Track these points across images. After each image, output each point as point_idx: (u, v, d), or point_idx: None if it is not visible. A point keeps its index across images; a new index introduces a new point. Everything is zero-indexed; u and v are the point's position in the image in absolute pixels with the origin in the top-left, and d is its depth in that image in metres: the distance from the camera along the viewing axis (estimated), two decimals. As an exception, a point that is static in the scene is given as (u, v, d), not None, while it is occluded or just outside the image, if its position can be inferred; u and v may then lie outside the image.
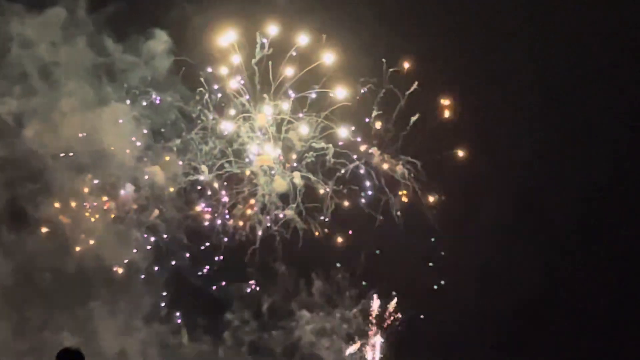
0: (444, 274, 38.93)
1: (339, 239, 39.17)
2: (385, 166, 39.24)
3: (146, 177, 38.38)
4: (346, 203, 39.29)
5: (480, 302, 38.08)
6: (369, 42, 38.52)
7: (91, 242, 37.76)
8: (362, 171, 39.19)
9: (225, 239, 38.86)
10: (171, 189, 38.69)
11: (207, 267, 39.10)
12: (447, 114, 39.25)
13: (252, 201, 38.94)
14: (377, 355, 38.74)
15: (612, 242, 38.88)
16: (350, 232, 39.29)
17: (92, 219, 37.93)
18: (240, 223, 38.84)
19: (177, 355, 38.37)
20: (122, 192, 38.15)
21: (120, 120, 38.02)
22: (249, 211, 38.80)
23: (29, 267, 36.72)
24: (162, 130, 39.03)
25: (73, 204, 37.75)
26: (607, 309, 38.46)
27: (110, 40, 37.92)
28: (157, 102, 38.64)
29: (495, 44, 38.59)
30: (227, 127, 39.10)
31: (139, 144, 38.33)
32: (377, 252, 38.87)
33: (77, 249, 37.60)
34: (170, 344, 38.23)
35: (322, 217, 39.11)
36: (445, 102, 39.31)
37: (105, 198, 38.13)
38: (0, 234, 36.67)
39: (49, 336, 36.79)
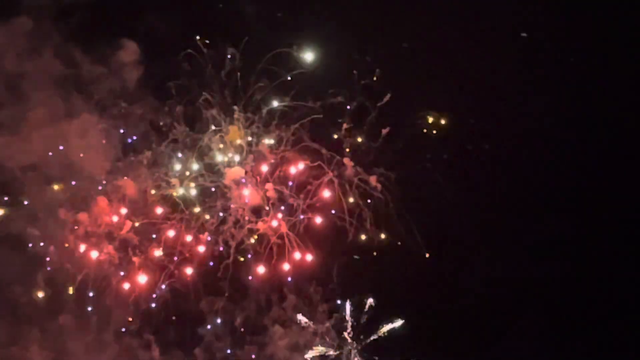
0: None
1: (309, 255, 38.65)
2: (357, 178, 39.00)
3: (117, 189, 37.69)
4: (318, 218, 38.91)
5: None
6: (340, 54, 38.54)
7: (61, 256, 36.93)
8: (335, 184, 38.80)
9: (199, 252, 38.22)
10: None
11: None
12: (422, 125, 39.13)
13: (225, 215, 38.41)
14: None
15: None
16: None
17: (63, 232, 37.10)
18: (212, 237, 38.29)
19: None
20: (92, 204, 37.40)
21: (90, 132, 37.36)
22: (221, 225, 38.30)
23: (-3, 281, 36.04)
24: (132, 142, 38.36)
25: (43, 217, 36.98)
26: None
27: (78, 51, 37.25)
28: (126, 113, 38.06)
29: (470, 53, 38.65)
30: (198, 140, 38.65)
31: (109, 156, 37.66)
32: (356, 257, 38.46)
33: (47, 263, 36.79)
34: (141, 359, 37.45)
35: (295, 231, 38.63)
36: (421, 114, 39.17)
37: (75, 211, 37.40)
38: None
39: (17, 352, 36.07)
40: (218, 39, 38.43)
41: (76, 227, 37.48)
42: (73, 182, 37.47)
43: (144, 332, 37.95)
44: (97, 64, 37.77)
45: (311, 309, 38.53)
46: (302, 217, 38.63)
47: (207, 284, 38.19)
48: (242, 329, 38.29)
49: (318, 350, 37.89)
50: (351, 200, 38.79)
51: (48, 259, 37.25)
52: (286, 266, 38.39)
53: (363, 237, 38.77)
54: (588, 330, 37.90)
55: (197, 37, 38.43)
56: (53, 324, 36.77)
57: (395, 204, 38.83)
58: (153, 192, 38.24)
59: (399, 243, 38.60)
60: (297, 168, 38.90)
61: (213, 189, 38.70)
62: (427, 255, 38.89)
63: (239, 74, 38.65)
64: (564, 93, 38.91)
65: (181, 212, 38.33)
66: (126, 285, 37.66)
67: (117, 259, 37.67)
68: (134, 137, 38.58)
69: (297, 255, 38.26)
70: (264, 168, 38.86)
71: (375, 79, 38.70)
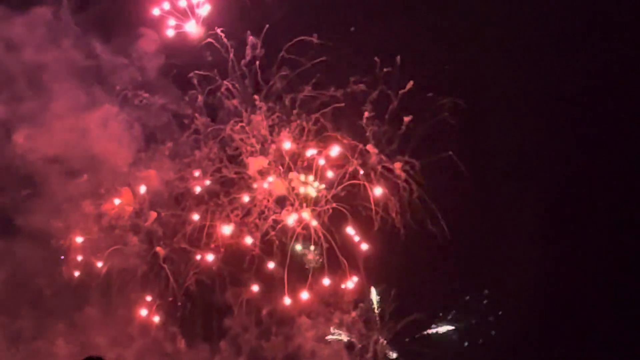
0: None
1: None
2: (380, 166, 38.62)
3: (141, 181, 37.32)
4: (344, 207, 38.53)
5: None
6: (361, 41, 38.13)
7: (86, 248, 36.57)
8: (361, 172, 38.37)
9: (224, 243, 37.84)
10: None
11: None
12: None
13: (250, 205, 38.03)
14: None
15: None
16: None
17: (87, 225, 36.76)
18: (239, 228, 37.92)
19: (174, 363, 37.39)
20: (116, 197, 37.04)
21: (111, 123, 37.02)
22: (247, 216, 37.91)
23: (21, 275, 35.62)
24: (154, 133, 38.04)
25: (66, 210, 36.63)
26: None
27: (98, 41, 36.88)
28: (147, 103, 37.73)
29: (493, 43, 38.19)
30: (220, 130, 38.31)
31: (131, 147, 37.33)
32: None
33: (72, 255, 36.42)
34: (168, 351, 37.10)
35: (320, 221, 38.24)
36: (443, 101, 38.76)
37: (99, 203, 37.05)
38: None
39: (43, 345, 35.78)
40: (238, 27, 37.91)
41: (100, 219, 37.05)
42: (96, 174, 36.95)
43: (169, 324, 37.59)
44: (117, 54, 37.42)
45: (336, 299, 38.13)
46: (327, 206, 38.21)
47: (233, 275, 37.76)
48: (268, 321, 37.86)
49: (337, 336, 37.53)
50: (376, 189, 38.30)
51: (72, 251, 36.72)
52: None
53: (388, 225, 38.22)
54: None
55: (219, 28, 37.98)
56: (78, 317, 36.41)
57: (420, 192, 38.45)
58: (176, 183, 37.72)
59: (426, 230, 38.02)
60: (320, 157, 38.34)
61: (236, 180, 38.22)
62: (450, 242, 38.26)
63: (257, 63, 38.22)
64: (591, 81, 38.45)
65: (205, 203, 37.86)
66: (151, 277, 37.21)
67: (142, 250, 37.20)
68: (156, 128, 38.11)
69: (322, 245, 37.69)
70: (287, 158, 38.38)
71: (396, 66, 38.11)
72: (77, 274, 36.65)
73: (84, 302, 36.64)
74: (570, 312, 37.76)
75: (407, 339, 38.49)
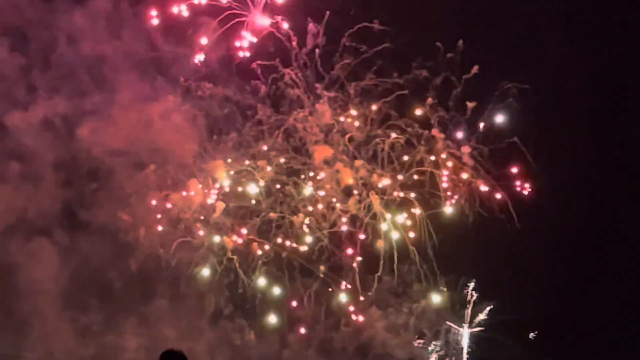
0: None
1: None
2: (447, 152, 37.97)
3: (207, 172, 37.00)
4: (412, 194, 37.93)
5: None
6: (423, 26, 37.44)
7: (153, 241, 36.35)
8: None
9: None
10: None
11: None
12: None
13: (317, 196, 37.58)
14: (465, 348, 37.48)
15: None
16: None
17: (154, 217, 36.51)
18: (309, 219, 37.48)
19: (244, 355, 36.91)
20: (183, 187, 36.79)
21: (175, 115, 36.73)
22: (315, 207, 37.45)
23: (89, 269, 35.42)
24: (217, 123, 37.72)
25: (133, 203, 36.44)
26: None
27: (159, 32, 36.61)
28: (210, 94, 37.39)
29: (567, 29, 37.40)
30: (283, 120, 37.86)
31: (195, 138, 37.01)
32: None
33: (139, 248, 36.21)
34: (237, 344, 36.76)
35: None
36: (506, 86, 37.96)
37: (166, 195, 36.79)
38: (62, 236, 35.31)
39: (111, 340, 35.58)
40: (300, 15, 37.46)
41: (168, 211, 36.78)
42: (161, 166, 36.64)
43: (237, 316, 37.28)
44: (178, 45, 37.12)
45: (406, 289, 37.60)
46: (394, 194, 37.64)
47: (302, 267, 37.43)
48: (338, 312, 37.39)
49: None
50: (443, 176, 37.69)
51: (139, 244, 36.52)
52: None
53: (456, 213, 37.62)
54: None
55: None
56: (146, 310, 36.13)
57: (488, 180, 37.78)
58: (243, 174, 37.34)
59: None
60: (386, 145, 37.78)
61: (302, 170, 37.80)
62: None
63: (317, 51, 37.73)
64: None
65: (274, 194, 37.48)
66: (219, 269, 36.88)
67: (210, 242, 36.87)
68: (219, 119, 37.76)
69: (394, 236, 37.06)
70: (352, 147, 37.87)
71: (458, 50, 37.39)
72: (145, 266, 36.16)
73: (152, 296, 36.22)
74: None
75: (480, 327, 37.85)
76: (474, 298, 37.65)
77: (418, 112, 37.99)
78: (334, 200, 37.59)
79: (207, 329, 36.53)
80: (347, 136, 37.97)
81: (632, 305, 37.09)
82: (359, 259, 37.49)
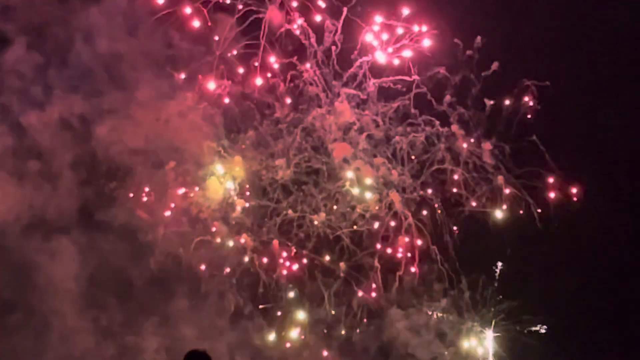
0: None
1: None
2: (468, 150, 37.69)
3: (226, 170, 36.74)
4: (429, 190, 37.67)
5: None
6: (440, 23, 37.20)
7: (172, 240, 36.06)
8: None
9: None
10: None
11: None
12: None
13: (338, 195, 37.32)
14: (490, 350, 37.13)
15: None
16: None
17: (173, 216, 36.23)
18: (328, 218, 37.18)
19: (264, 355, 36.65)
20: (202, 186, 36.51)
21: (192, 112, 36.44)
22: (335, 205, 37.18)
23: (108, 269, 35.16)
24: (235, 121, 37.46)
25: (152, 201, 36.14)
26: None
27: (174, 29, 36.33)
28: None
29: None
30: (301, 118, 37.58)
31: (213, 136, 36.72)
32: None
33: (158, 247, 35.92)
34: (257, 343, 36.48)
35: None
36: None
37: (185, 193, 36.49)
38: (81, 235, 35.03)
39: (132, 340, 35.31)
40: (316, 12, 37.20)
41: (187, 209, 36.50)
42: (180, 164, 36.36)
43: (256, 316, 37.01)
44: (194, 42, 36.85)
45: (426, 288, 37.29)
46: (414, 194, 37.38)
47: (323, 267, 37.16)
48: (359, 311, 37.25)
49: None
50: (464, 174, 37.44)
51: (158, 243, 36.22)
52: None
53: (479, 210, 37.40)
54: None
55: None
56: (166, 310, 35.87)
57: (509, 178, 37.50)
58: (262, 172, 37.07)
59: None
60: (405, 143, 37.47)
61: (322, 169, 37.51)
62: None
63: (334, 48, 37.45)
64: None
65: (294, 193, 37.20)
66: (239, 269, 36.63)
67: (230, 241, 36.59)
68: (237, 117, 37.49)
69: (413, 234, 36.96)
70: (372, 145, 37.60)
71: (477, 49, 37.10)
72: (164, 266, 35.88)
73: (171, 295, 35.94)
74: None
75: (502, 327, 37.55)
76: (498, 297, 37.26)
77: (437, 109, 37.72)
78: (354, 199, 37.27)
79: (228, 328, 36.22)
80: (364, 135, 37.65)
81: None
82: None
